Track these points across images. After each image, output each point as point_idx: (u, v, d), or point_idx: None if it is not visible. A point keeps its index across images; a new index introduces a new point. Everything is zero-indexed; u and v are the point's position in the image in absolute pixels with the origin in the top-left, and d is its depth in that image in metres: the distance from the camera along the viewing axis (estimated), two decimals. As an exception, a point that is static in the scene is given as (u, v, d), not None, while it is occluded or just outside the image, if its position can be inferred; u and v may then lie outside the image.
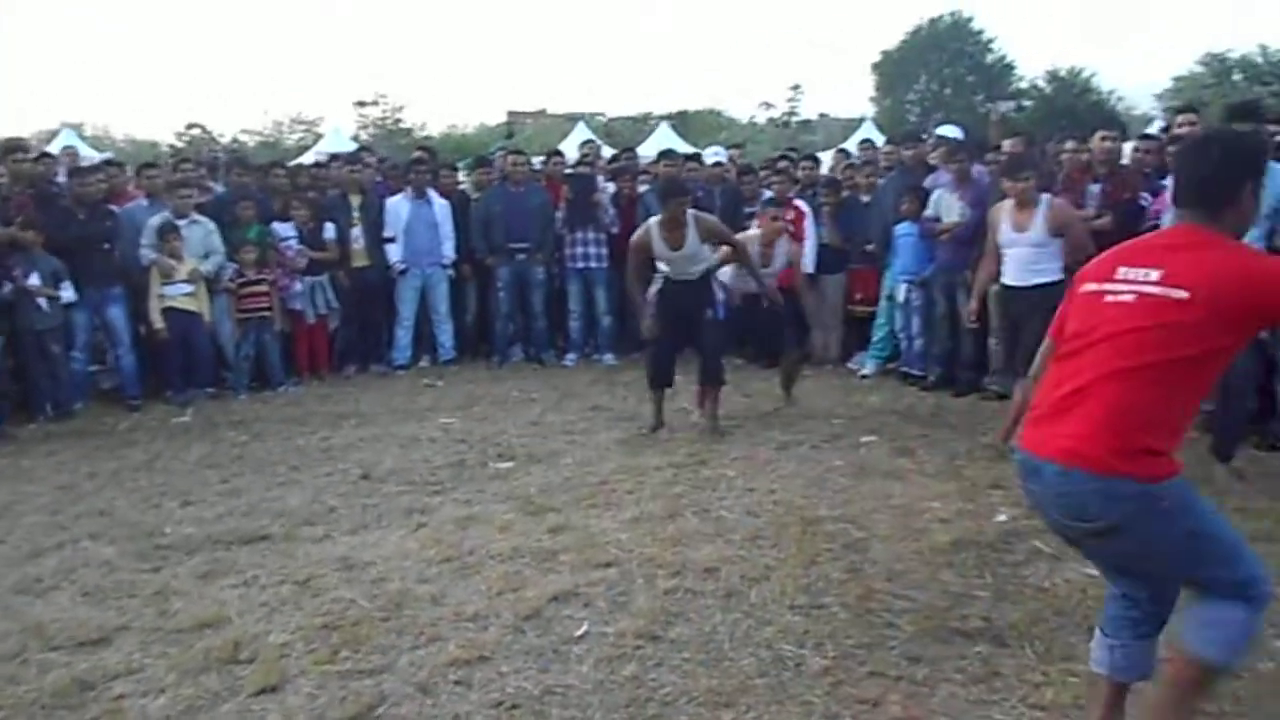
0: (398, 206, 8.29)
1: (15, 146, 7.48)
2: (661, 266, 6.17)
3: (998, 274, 5.83)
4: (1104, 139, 6.30)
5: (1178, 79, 42.75)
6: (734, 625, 3.37)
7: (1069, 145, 6.81)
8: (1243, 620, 2.26)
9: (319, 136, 28.05)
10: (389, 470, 5.46)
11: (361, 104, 37.59)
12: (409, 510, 4.75)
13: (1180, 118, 7.34)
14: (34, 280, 6.68)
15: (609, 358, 8.58)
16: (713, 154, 9.68)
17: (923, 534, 4.21)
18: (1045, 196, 5.63)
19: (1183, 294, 2.24)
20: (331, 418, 6.80)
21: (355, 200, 8.22)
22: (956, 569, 3.83)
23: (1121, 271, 2.39)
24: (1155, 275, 2.31)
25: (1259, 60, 42.37)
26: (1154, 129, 11.24)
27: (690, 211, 5.95)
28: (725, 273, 6.61)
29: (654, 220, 6.05)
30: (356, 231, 8.16)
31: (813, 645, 3.21)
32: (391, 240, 8.26)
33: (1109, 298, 2.38)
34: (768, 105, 36.17)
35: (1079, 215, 5.92)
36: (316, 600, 3.70)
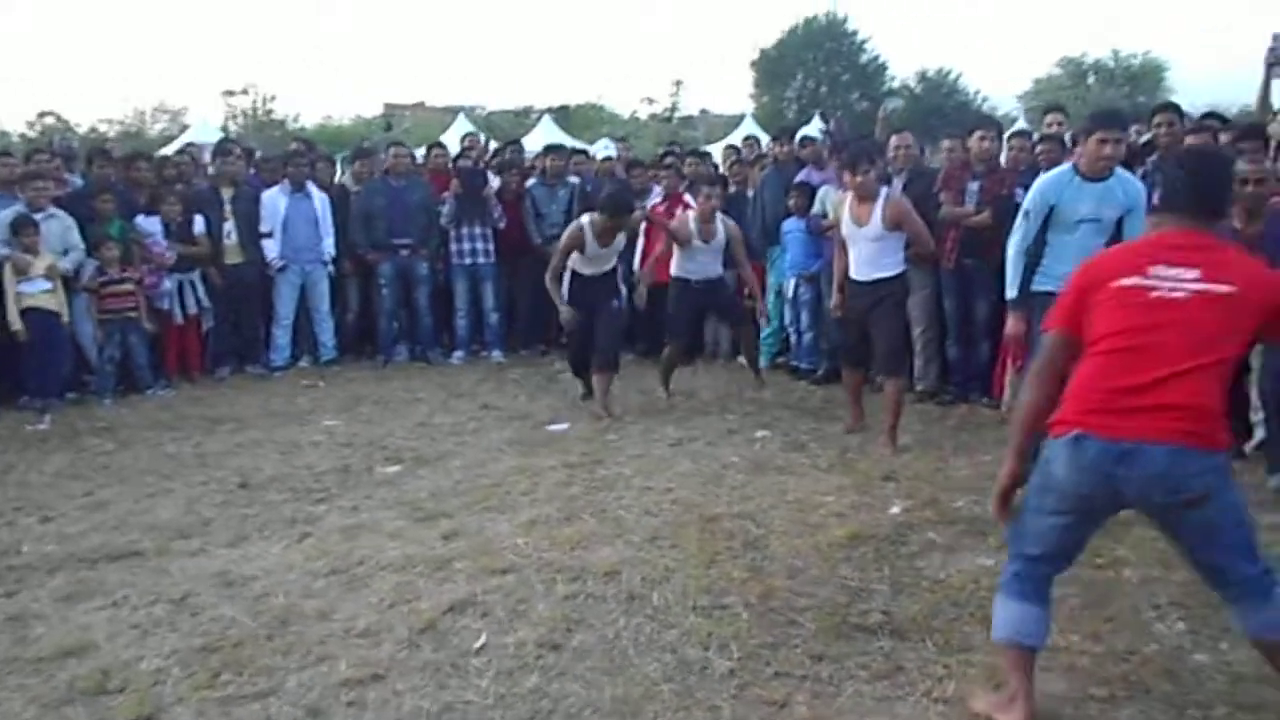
0: (274, 200, 7.94)
1: None
2: (574, 263, 6.37)
3: None
4: (982, 138, 6.47)
5: (1038, 81, 44.81)
6: (637, 630, 3.31)
7: (946, 144, 6.98)
8: None
9: (185, 127, 26.80)
10: (269, 478, 5.20)
11: (230, 93, 36.16)
12: (291, 520, 4.53)
13: (1049, 116, 7.65)
14: None
15: (497, 354, 8.43)
16: (603, 147, 9.61)
17: (820, 529, 4.22)
18: (885, 190, 5.56)
19: (1229, 289, 2.47)
20: (205, 423, 6.46)
21: (227, 193, 7.83)
22: (854, 563, 3.85)
23: (1157, 269, 2.52)
24: (1195, 274, 2.50)
25: (1111, 64, 44.75)
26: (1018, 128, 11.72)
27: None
28: (675, 264, 6.72)
29: (588, 219, 6.28)
30: (229, 226, 7.78)
31: (717, 647, 3.17)
32: (268, 235, 7.91)
33: (1155, 294, 2.51)
34: (650, 100, 36.36)
35: (926, 207, 5.96)
36: (193, 620, 3.47)
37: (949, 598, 3.52)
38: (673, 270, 6.72)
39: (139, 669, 3.11)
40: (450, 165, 8.79)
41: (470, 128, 19.79)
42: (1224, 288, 2.46)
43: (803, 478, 4.99)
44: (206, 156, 9.20)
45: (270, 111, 36.84)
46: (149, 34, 71.99)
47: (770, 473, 5.08)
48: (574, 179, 8.59)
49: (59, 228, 6.92)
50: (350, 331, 8.57)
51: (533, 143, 14.20)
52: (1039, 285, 4.65)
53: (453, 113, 31.56)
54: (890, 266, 5.48)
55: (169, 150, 13.68)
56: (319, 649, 3.22)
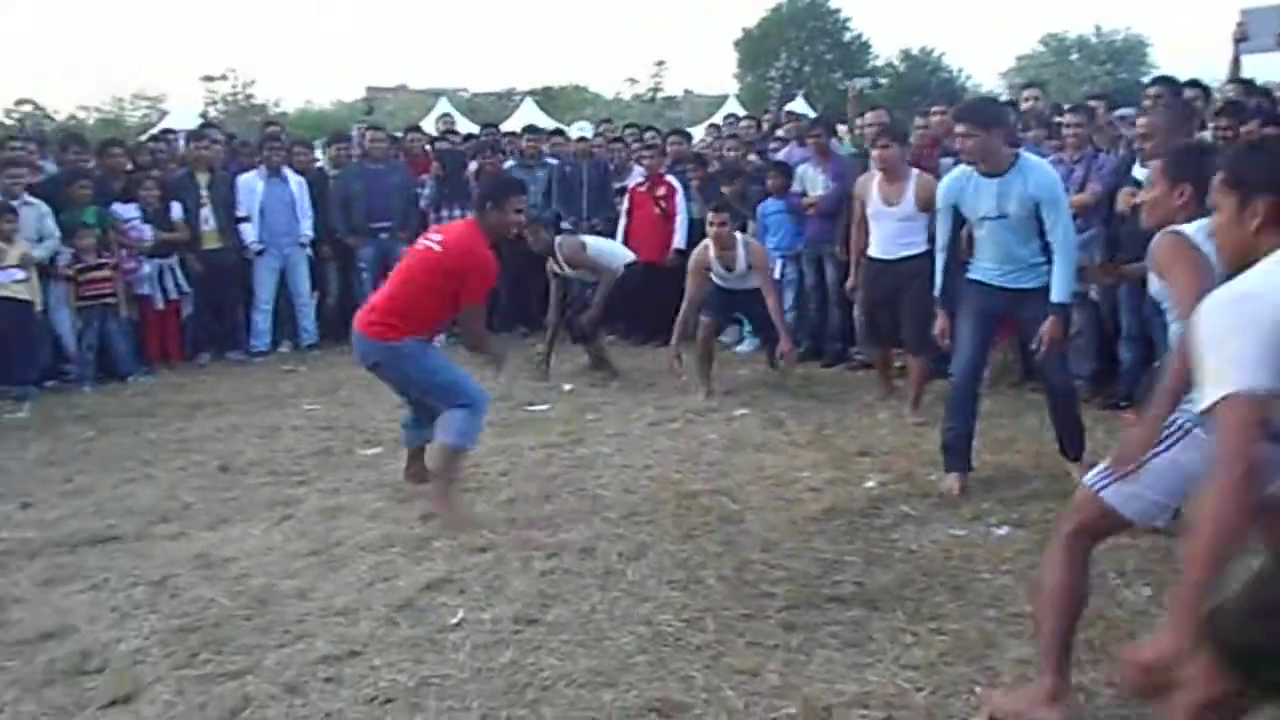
0: (250, 184, 7.92)
1: None
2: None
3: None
4: (938, 114, 6.49)
5: (1020, 58, 44.85)
6: (612, 604, 3.35)
7: (917, 121, 7.01)
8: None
9: (164, 113, 26.57)
10: (249, 461, 5.22)
11: (209, 79, 35.81)
12: (271, 502, 4.55)
13: (1025, 92, 7.67)
14: None
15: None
16: (578, 129, 9.59)
17: (795, 503, 4.27)
18: (914, 170, 5.62)
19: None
20: (185, 408, 6.46)
21: (203, 179, 7.80)
22: (829, 536, 3.90)
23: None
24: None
25: (1093, 40, 44.83)
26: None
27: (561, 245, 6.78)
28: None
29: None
30: (206, 211, 7.75)
31: (691, 619, 3.22)
32: (245, 220, 7.89)
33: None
34: (633, 81, 36.25)
35: None
36: (173, 602, 3.50)
37: (920, 568, 3.58)
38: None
39: (118, 650, 3.14)
40: (429, 148, 8.76)
41: (450, 110, 19.71)
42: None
43: (780, 454, 5.03)
44: (183, 142, 9.15)
45: (250, 97, 36.53)
46: (128, 20, 71.36)
47: (748, 450, 5.13)
48: (552, 160, 8.58)
49: (34, 215, 6.87)
50: (330, 315, 8.56)
51: (515, 125, 14.18)
52: (969, 274, 4.50)
53: (434, 95, 31.43)
54: (918, 245, 5.49)
55: (147, 136, 13.61)
56: (297, 627, 3.25)
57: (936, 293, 4.62)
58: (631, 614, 3.28)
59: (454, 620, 3.26)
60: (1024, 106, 7.18)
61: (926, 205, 5.41)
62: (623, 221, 8.07)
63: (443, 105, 22.91)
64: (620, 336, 8.05)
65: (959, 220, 4.48)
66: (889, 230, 5.59)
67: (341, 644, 3.11)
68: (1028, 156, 4.31)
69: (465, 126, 15.52)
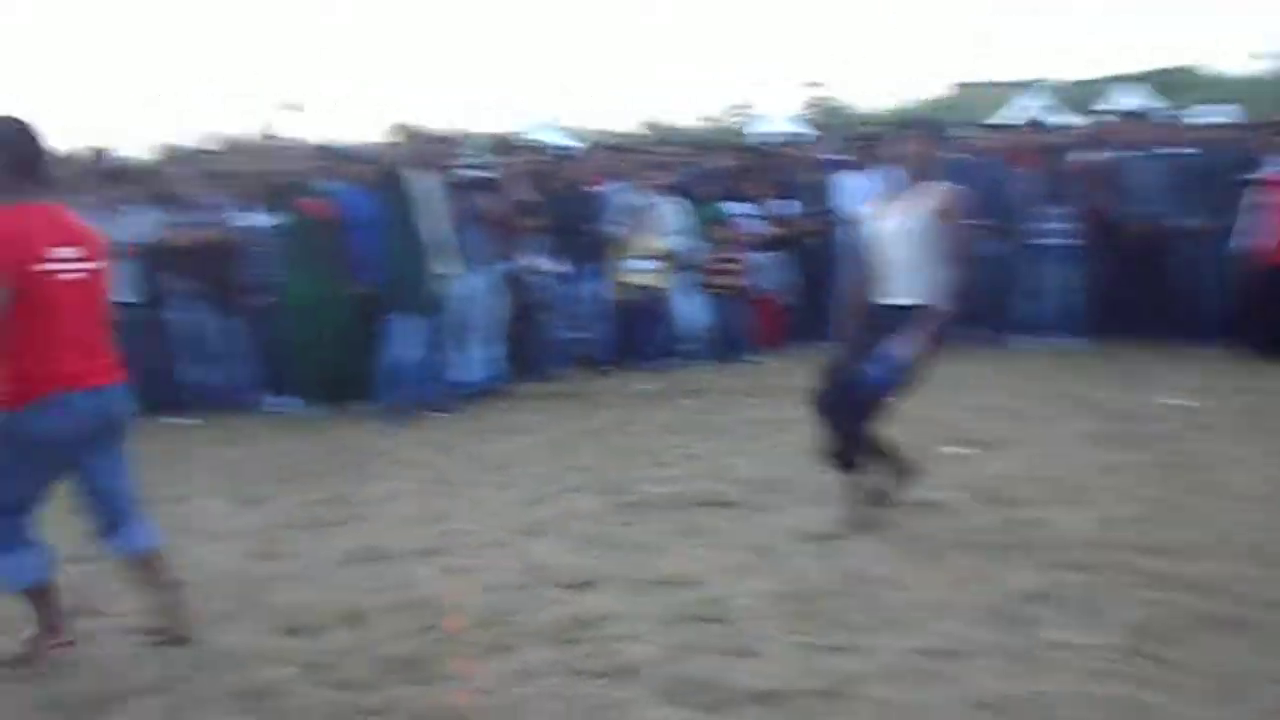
0: (851, 181, 8.27)
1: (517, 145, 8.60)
2: None
3: None
4: None
5: None
6: (1249, 658, 2.91)
7: None
8: None
9: (762, 120, 28.65)
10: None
11: (812, 85, 37.88)
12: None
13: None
14: (544, 261, 7.54)
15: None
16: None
17: None
18: None
19: (99, 265, 3.07)
20: (782, 391, 6.92)
21: (820, 177, 8.41)
22: None
23: (56, 251, 2.93)
24: (81, 253, 3.00)
25: None
26: None
27: None
28: None
29: None
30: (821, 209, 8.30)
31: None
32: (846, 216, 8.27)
33: (64, 277, 2.94)
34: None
35: None
36: (775, 568, 3.76)
37: None
38: None
39: (732, 604, 3.44)
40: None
41: (1041, 102, 18.56)
42: (98, 264, 3.06)
43: None
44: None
45: (839, 101, 37.97)
46: (729, 42, 77.56)
47: None
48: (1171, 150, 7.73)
49: (669, 211, 7.91)
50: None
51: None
52: None
53: (1021, 86, 29.95)
54: None
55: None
56: (889, 614, 3.31)
57: None
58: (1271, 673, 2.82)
59: (1056, 637, 3.08)
60: None
61: None
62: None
63: (1034, 96, 21.67)
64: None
65: None
66: None
67: (935, 637, 3.11)
68: None
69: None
